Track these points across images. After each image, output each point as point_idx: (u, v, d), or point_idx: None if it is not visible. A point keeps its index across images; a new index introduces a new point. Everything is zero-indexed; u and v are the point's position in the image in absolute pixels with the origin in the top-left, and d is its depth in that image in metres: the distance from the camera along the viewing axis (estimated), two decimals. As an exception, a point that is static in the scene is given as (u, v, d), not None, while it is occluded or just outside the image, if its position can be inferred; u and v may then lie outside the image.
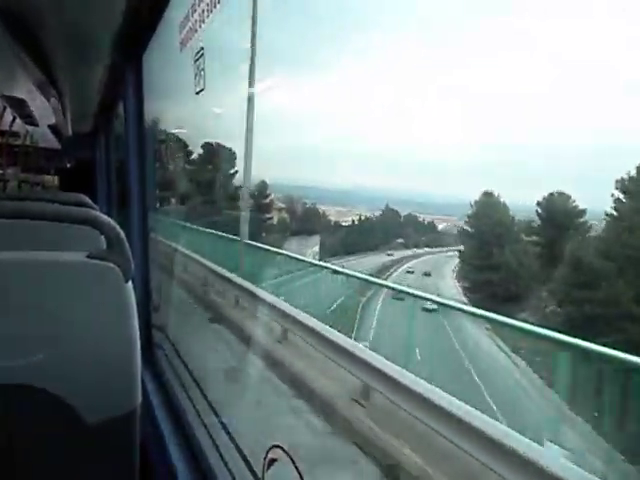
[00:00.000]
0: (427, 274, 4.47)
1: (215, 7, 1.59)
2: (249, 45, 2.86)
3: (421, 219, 4.94)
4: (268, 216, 5.73)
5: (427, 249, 4.85)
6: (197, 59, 1.80)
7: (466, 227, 4.15)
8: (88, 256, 1.07)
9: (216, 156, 5.64)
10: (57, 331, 1.05)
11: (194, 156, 5.94)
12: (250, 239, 5.15)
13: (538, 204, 3.69)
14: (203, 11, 1.66)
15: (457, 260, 4.45)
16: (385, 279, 4.81)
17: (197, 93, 1.83)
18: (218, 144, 5.55)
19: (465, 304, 4.12)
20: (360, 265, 5.04)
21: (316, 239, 5.36)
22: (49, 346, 1.04)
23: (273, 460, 1.15)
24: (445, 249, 4.67)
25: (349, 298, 4.54)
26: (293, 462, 1.11)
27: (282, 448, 1.14)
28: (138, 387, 1.14)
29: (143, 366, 1.16)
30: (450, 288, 4.37)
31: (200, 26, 1.69)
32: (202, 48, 1.76)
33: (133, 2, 1.82)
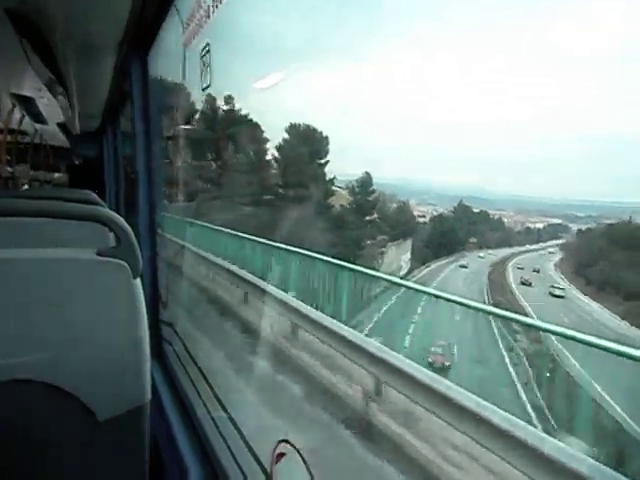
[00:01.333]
0: (536, 270, 4.34)
1: (221, 2, 1.59)
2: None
3: (491, 215, 4.67)
4: (369, 218, 4.87)
5: (523, 247, 4.56)
6: (203, 55, 1.79)
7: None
8: (98, 253, 1.08)
9: (305, 143, 4.98)
10: (67, 327, 1.06)
11: (279, 142, 5.17)
12: (347, 251, 4.31)
13: None
14: (209, 7, 1.66)
15: (553, 260, 4.17)
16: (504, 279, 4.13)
17: (203, 90, 1.83)
18: (308, 127, 4.82)
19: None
20: (467, 270, 4.38)
21: (408, 244, 4.65)
22: (59, 342, 1.06)
23: (281, 455, 1.16)
24: (528, 247, 4.44)
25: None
26: (301, 457, 1.11)
27: (290, 442, 1.14)
28: (148, 383, 1.14)
29: (152, 362, 1.17)
30: (578, 301, 3.62)
31: (206, 22, 1.69)
32: (208, 44, 1.76)
33: (138, 1, 1.82)
